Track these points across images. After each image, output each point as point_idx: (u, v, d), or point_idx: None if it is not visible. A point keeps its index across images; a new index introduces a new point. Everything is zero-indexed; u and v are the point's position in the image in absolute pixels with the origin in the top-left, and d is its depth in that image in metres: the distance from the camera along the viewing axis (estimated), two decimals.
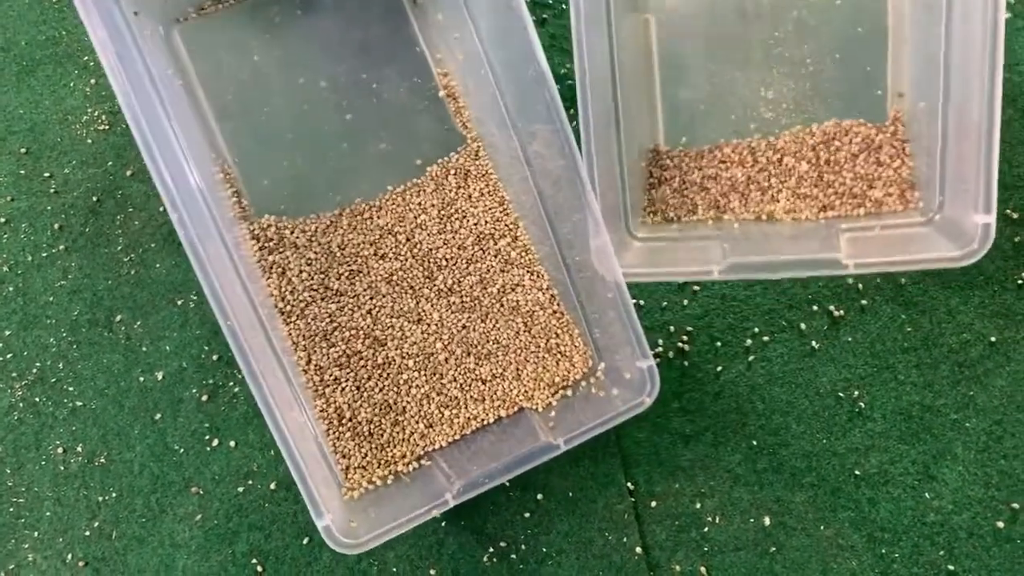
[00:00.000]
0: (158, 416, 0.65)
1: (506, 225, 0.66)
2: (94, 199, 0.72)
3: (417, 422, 0.61)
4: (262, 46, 0.67)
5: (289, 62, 0.67)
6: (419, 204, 0.66)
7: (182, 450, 0.65)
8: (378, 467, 0.60)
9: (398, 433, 0.61)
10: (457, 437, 0.61)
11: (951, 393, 0.68)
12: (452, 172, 0.67)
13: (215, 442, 0.65)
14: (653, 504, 0.64)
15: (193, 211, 0.54)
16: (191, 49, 0.66)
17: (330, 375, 0.61)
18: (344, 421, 0.61)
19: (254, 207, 0.65)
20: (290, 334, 0.62)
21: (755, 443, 0.66)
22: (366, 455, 0.60)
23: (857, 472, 0.66)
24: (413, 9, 0.70)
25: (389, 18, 0.69)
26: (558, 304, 0.64)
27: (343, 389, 0.61)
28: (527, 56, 0.57)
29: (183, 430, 0.65)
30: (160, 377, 0.66)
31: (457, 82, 0.69)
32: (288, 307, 0.63)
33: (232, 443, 0.65)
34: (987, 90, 0.53)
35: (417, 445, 0.61)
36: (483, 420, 0.61)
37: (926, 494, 0.65)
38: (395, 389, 0.62)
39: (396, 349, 0.63)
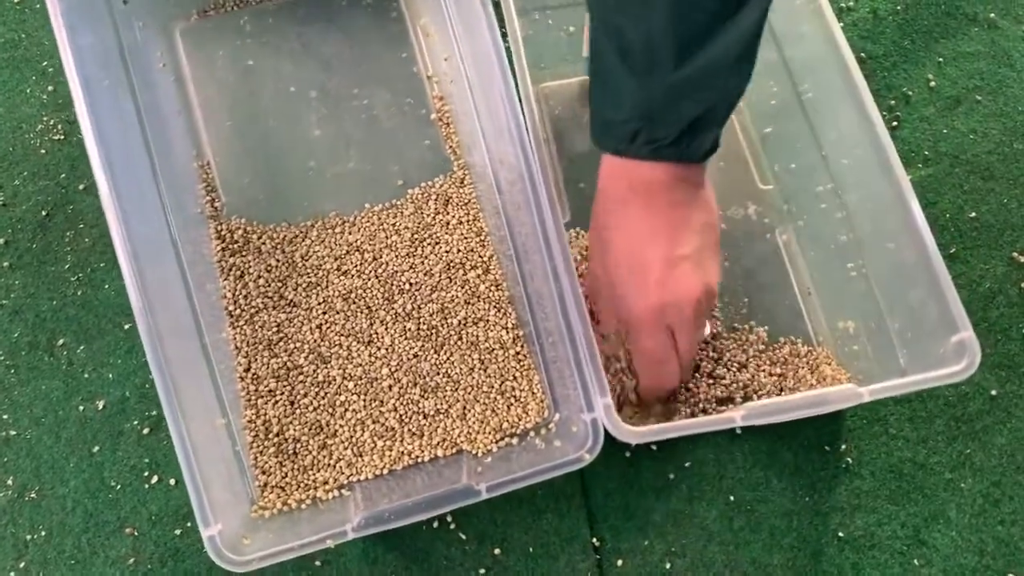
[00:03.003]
0: (96, 449, 0.61)
1: (480, 256, 0.62)
2: (43, 213, 0.68)
3: (346, 448, 0.57)
4: (258, 51, 0.67)
5: (282, 69, 0.67)
6: (393, 225, 0.63)
7: (119, 487, 0.61)
8: (297, 489, 0.56)
9: (324, 457, 0.57)
10: (386, 471, 0.56)
11: (946, 450, 0.63)
12: (434, 197, 0.64)
13: (154, 479, 0.61)
14: (619, 563, 0.60)
15: (133, 197, 0.53)
16: (187, 48, 0.66)
17: (265, 386, 0.58)
18: (271, 436, 0.57)
19: (227, 208, 0.64)
20: (234, 338, 0.59)
21: (732, 498, 0.61)
22: (286, 475, 0.56)
23: (841, 534, 0.61)
24: (415, 29, 0.68)
25: (390, 36, 0.68)
26: (521, 346, 0.60)
27: (276, 402, 0.58)
28: (496, 76, 0.53)
29: (121, 465, 0.61)
30: (101, 407, 0.62)
31: (450, 107, 0.66)
32: (238, 311, 0.60)
33: (172, 481, 0.61)
34: None
35: (343, 473, 0.56)
36: (417, 457, 0.57)
37: (915, 560, 0.60)
38: (330, 410, 0.58)
39: (339, 368, 0.59)
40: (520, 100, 0.55)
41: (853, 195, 0.63)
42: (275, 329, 0.60)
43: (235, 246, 0.62)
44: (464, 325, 0.60)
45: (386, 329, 0.60)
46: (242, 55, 0.66)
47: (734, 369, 0.64)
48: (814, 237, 0.67)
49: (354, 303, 0.61)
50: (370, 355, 0.59)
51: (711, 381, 0.63)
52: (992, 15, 0.79)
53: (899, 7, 0.79)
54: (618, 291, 0.52)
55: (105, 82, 0.55)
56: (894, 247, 0.59)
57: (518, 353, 0.60)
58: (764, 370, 0.64)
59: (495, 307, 0.61)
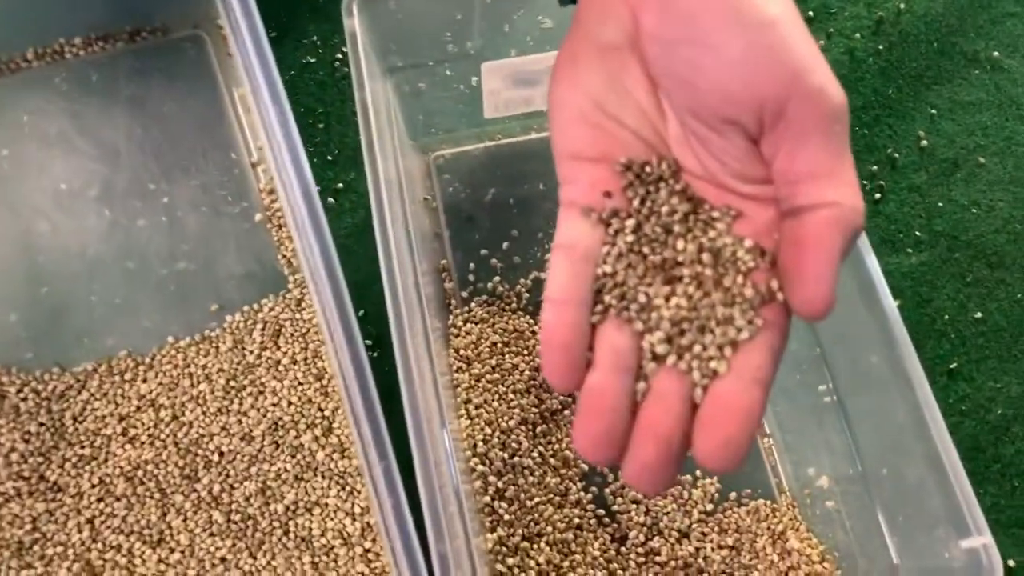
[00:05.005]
0: None
1: (319, 410, 0.46)
2: None
3: None
4: (15, 137, 0.51)
5: (50, 160, 0.51)
6: (203, 367, 0.48)
7: None
8: None
9: None
10: None
11: None
12: (260, 326, 0.49)
13: None
14: None
15: None
16: None
17: None
18: None
19: None
20: None
21: None
22: None
23: None
24: (233, 101, 0.53)
25: (202, 111, 0.53)
26: (373, 540, 0.44)
27: None
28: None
29: None
30: None
31: (283, 203, 0.50)
32: None
33: None
34: None
35: None
36: None
37: None
38: None
39: None
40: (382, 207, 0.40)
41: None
42: (31, 527, 0.44)
43: None
44: (292, 513, 0.44)
45: (183, 522, 0.44)
46: None
47: (672, 540, 0.49)
48: None
49: (142, 484, 0.45)
50: (158, 561, 0.43)
51: (642, 559, 0.48)
52: (996, 54, 0.63)
53: (881, 46, 0.64)
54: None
55: None
56: (876, 379, 0.44)
57: (367, 550, 0.44)
58: (712, 540, 0.49)
59: (338, 484, 0.45)
